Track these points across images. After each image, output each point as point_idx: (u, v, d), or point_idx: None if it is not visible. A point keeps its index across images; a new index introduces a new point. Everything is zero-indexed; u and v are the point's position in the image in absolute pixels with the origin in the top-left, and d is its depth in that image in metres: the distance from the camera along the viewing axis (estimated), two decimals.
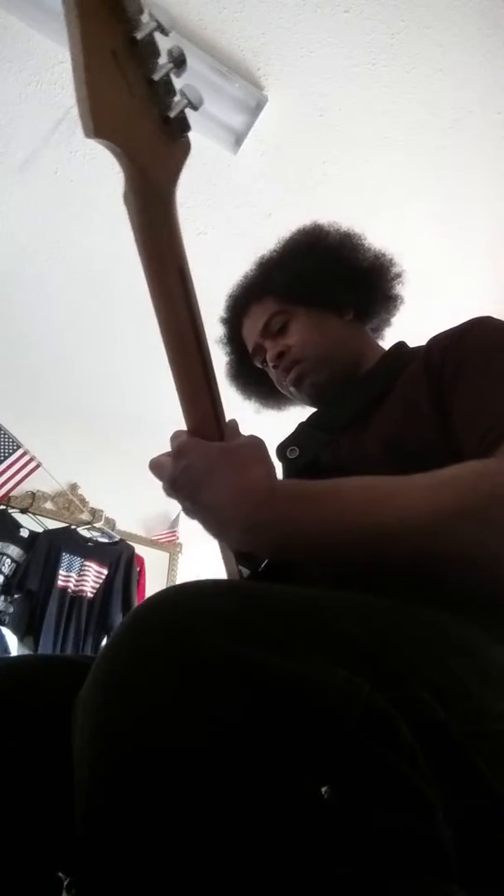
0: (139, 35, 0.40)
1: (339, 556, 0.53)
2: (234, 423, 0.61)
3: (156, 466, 0.58)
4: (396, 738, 0.37)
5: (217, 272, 1.48)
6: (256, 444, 0.57)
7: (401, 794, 0.35)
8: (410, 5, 1.53)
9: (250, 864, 0.31)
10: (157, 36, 0.41)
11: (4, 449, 2.66)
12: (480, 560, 0.51)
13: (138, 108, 0.42)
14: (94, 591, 2.68)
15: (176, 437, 0.58)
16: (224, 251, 2.10)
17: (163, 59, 0.42)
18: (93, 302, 2.39)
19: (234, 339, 1.00)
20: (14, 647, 2.40)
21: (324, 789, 0.33)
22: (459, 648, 0.49)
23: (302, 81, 1.68)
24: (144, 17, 0.40)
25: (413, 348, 0.84)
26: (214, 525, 0.55)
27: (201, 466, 0.54)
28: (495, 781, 0.40)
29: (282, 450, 0.82)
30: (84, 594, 2.65)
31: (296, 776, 0.33)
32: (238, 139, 1.80)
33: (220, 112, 1.72)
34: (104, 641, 2.55)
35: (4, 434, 2.66)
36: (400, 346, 0.88)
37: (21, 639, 2.45)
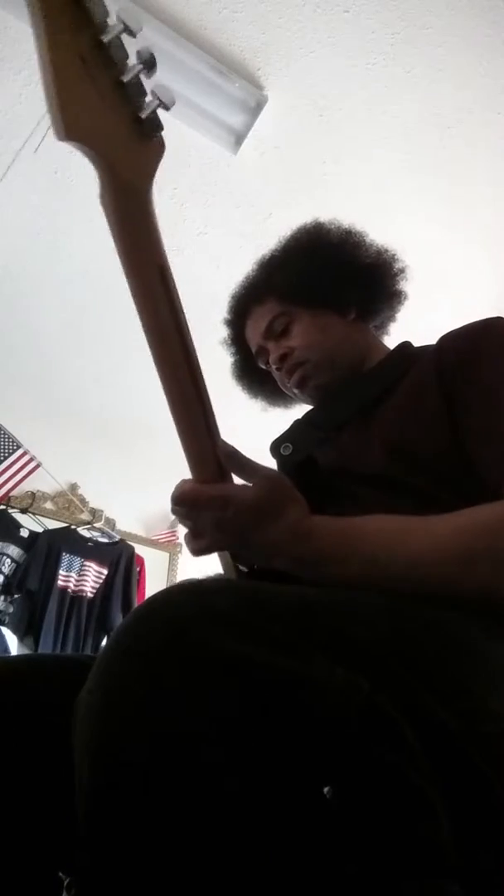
0: (106, 38, 0.40)
1: (356, 586, 0.55)
2: (254, 464, 0.62)
3: (185, 502, 0.61)
4: (397, 737, 0.37)
5: (217, 272, 1.48)
6: (282, 486, 0.60)
7: (402, 793, 0.35)
8: (410, 5, 1.52)
9: (252, 863, 0.30)
10: (130, 39, 0.41)
11: (4, 449, 2.66)
12: (485, 597, 0.53)
13: (109, 109, 0.43)
14: (94, 591, 2.68)
15: (194, 495, 0.60)
16: (224, 251, 2.10)
17: (133, 61, 0.43)
18: (93, 302, 2.39)
19: (238, 340, 0.99)
20: (14, 647, 2.40)
21: (326, 789, 0.33)
22: (459, 648, 0.49)
23: (302, 81, 1.68)
24: (111, 20, 0.40)
25: (419, 348, 0.83)
26: (257, 559, 0.62)
27: (247, 518, 0.58)
28: (495, 781, 0.40)
29: (276, 446, 0.82)
30: (84, 594, 2.65)
31: (297, 776, 0.33)
32: (238, 139, 1.80)
33: (220, 112, 1.72)
34: (104, 641, 2.55)
35: (4, 434, 2.66)
36: (405, 346, 0.87)
37: (21, 639, 2.45)
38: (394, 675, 0.41)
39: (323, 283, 0.87)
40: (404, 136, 1.80)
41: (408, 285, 0.95)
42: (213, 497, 0.58)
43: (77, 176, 1.94)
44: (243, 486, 0.60)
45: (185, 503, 0.60)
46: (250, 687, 0.35)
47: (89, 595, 2.66)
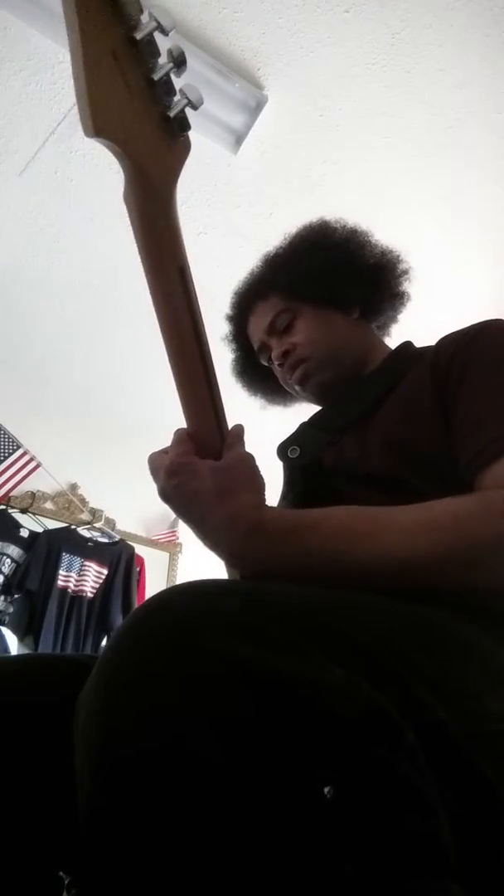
0: (139, 35, 0.40)
1: (323, 585, 0.54)
2: (238, 430, 0.61)
3: (152, 466, 0.61)
4: (397, 737, 0.37)
5: (217, 272, 1.48)
6: (247, 465, 0.58)
7: (401, 793, 0.35)
8: (410, 5, 1.53)
9: (252, 864, 0.31)
10: (158, 36, 0.41)
11: (4, 449, 2.66)
12: (461, 594, 0.53)
13: (138, 107, 0.42)
14: (94, 591, 2.68)
15: (177, 441, 0.59)
16: (224, 251, 2.10)
17: (163, 59, 0.43)
18: (93, 302, 2.39)
19: (240, 336, 0.99)
20: (14, 647, 2.40)
21: (326, 789, 0.33)
22: (460, 648, 0.49)
23: (302, 81, 1.68)
24: (144, 18, 0.40)
25: (420, 348, 0.83)
26: (202, 541, 0.58)
27: (191, 488, 0.55)
28: (496, 781, 0.40)
29: (283, 449, 0.81)
30: (84, 594, 2.65)
31: (297, 776, 0.33)
32: (238, 139, 1.80)
33: (220, 112, 1.72)
34: (104, 641, 2.56)
35: (4, 434, 2.66)
36: (406, 346, 0.87)
37: (21, 639, 2.45)
38: (394, 675, 0.41)
39: (327, 280, 0.87)
40: (404, 136, 1.81)
41: (409, 286, 0.95)
42: (170, 463, 0.57)
43: (77, 176, 1.94)
44: (203, 461, 0.57)
45: (149, 463, 0.61)
46: (250, 687, 0.35)
47: (89, 595, 2.66)
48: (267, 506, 0.57)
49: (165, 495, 0.58)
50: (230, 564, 0.56)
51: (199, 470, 0.56)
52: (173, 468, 0.56)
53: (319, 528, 0.55)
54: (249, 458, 0.59)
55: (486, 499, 0.56)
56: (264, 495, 0.57)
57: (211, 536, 0.56)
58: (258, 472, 0.59)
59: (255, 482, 0.57)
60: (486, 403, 0.63)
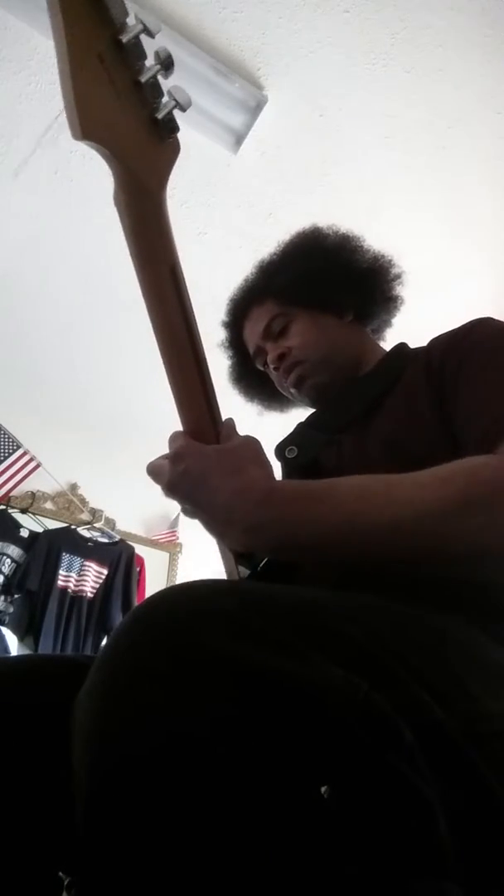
0: (125, 38, 0.40)
1: (337, 554, 0.53)
2: (230, 422, 0.61)
3: (153, 471, 0.59)
4: (395, 737, 0.37)
5: (217, 272, 1.48)
6: (253, 445, 0.57)
7: (400, 793, 0.35)
8: (410, 5, 1.52)
9: (250, 863, 0.31)
10: (145, 38, 0.41)
11: (4, 449, 2.66)
12: (476, 555, 0.51)
13: (125, 110, 0.43)
14: (94, 591, 2.68)
15: (173, 439, 0.59)
16: (224, 251, 2.10)
17: (150, 61, 0.43)
18: (93, 302, 2.39)
19: (236, 342, 1.00)
20: (14, 647, 2.40)
21: (323, 789, 0.33)
22: (458, 648, 0.49)
23: (302, 81, 1.68)
24: (130, 20, 0.40)
25: (414, 349, 0.84)
26: (214, 526, 0.56)
27: (198, 469, 0.54)
28: (494, 781, 0.40)
29: (280, 449, 0.82)
30: (84, 594, 2.65)
31: (295, 776, 0.33)
32: (238, 139, 1.80)
33: (220, 112, 1.72)
34: (104, 641, 2.56)
35: (4, 434, 2.66)
36: (401, 348, 0.88)
37: (21, 639, 2.45)
38: (392, 675, 0.41)
39: (321, 285, 0.88)
40: (404, 136, 1.80)
41: (407, 285, 0.96)
42: (174, 451, 0.56)
43: (77, 176, 1.94)
44: (208, 445, 0.57)
45: (149, 469, 0.59)
46: (248, 687, 0.35)
47: (89, 595, 2.66)
48: (276, 479, 0.56)
49: (173, 484, 0.56)
50: (244, 542, 0.54)
51: (205, 451, 0.55)
52: (179, 453, 0.55)
53: (334, 490, 0.54)
54: (253, 440, 0.58)
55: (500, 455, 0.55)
56: (272, 473, 0.56)
57: (223, 515, 0.53)
58: (263, 452, 0.58)
59: (261, 459, 0.56)
60: (487, 388, 0.64)
